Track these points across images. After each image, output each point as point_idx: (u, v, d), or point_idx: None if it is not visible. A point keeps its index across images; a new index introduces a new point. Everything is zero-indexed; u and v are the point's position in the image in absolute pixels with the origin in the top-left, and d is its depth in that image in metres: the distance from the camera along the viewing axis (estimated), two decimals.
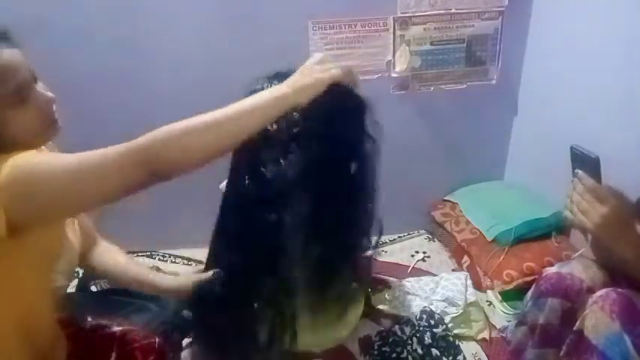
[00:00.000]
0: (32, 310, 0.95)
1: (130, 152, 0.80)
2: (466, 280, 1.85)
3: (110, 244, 1.24)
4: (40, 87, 0.89)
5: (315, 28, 1.92)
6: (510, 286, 1.75)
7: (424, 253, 2.19)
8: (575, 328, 1.07)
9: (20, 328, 0.92)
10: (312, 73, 0.94)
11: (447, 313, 1.72)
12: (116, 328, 1.13)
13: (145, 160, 0.80)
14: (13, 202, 0.75)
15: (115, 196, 0.82)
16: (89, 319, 1.14)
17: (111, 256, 1.22)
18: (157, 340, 1.13)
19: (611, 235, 1.02)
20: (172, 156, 0.82)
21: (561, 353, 1.11)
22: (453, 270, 2.02)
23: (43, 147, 0.98)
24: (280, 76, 1.10)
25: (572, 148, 1.05)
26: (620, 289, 1.04)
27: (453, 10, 1.97)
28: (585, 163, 1.03)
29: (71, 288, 1.77)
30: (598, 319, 1.01)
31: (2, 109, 0.82)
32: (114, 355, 1.07)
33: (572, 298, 1.11)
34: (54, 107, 0.91)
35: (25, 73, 0.85)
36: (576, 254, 1.69)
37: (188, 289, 1.15)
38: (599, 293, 1.05)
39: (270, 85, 1.05)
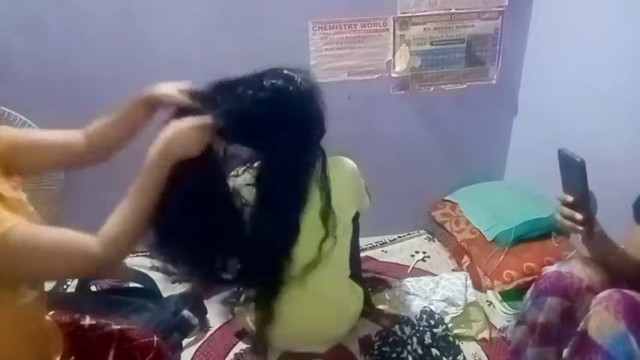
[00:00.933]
0: (27, 311, 0.96)
1: (90, 263, 0.93)
2: (466, 280, 1.85)
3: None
4: None
5: (315, 28, 1.92)
6: (510, 286, 1.75)
7: (424, 253, 2.19)
8: (579, 329, 1.06)
9: (17, 329, 0.93)
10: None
11: (447, 313, 1.71)
12: (115, 327, 1.13)
13: (103, 267, 0.97)
14: None
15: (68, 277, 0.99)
16: (88, 318, 1.14)
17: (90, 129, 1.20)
18: (155, 338, 1.13)
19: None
20: (117, 260, 1.00)
21: (566, 354, 1.11)
22: (453, 270, 2.02)
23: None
24: (271, 72, 1.21)
25: (559, 151, 1.07)
26: (624, 290, 1.04)
27: (453, 10, 1.97)
28: (571, 166, 1.04)
29: (71, 288, 1.78)
30: (603, 320, 1.01)
31: None
32: (112, 353, 1.07)
33: (572, 297, 1.10)
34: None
35: None
36: (571, 253, 1.69)
37: (174, 99, 1.22)
38: (603, 294, 1.05)
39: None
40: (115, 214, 0.98)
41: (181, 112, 1.17)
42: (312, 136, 1.28)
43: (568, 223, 1.09)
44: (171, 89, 1.25)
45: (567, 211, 1.08)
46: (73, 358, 1.05)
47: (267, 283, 1.34)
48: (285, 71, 1.23)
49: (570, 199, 1.08)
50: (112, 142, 1.22)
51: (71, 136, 1.16)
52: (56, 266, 0.91)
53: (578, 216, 1.06)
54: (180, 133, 1.05)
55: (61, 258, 0.91)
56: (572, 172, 1.05)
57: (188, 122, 1.08)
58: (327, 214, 1.29)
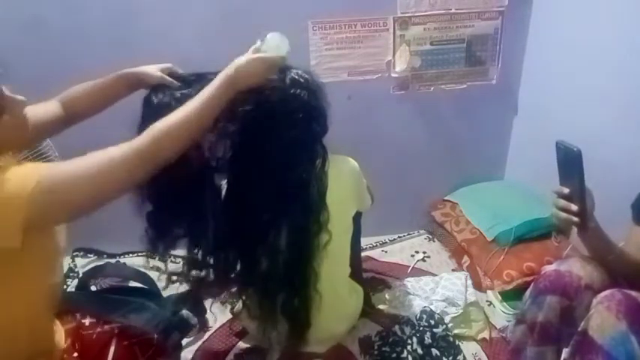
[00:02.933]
0: (36, 308, 0.97)
1: (134, 155, 0.93)
2: (466, 280, 1.84)
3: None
4: (6, 91, 0.89)
5: (315, 28, 1.93)
6: (510, 286, 1.75)
7: (424, 253, 2.19)
8: (579, 329, 1.06)
9: (23, 326, 0.93)
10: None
11: (447, 313, 1.71)
12: (115, 324, 1.13)
13: (146, 159, 0.95)
14: (40, 211, 0.81)
15: (125, 190, 0.97)
16: (88, 317, 1.14)
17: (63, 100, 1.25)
18: (155, 335, 1.13)
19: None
20: (165, 153, 0.98)
21: (566, 354, 1.11)
22: (453, 270, 2.02)
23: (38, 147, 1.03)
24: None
25: (557, 143, 1.07)
26: (625, 290, 1.04)
27: (453, 10, 1.97)
28: (568, 156, 1.05)
29: (71, 288, 1.78)
30: (604, 319, 1.01)
31: None
32: (112, 349, 1.07)
33: (571, 296, 1.10)
34: (25, 110, 0.93)
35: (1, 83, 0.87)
36: (567, 250, 1.69)
37: (154, 76, 1.29)
38: (604, 293, 1.05)
39: None
40: (165, 120, 1.00)
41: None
42: (316, 132, 1.31)
43: (563, 215, 1.08)
44: (153, 69, 1.30)
45: (563, 202, 1.08)
46: (75, 354, 1.06)
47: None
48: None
49: (566, 191, 1.08)
50: (82, 110, 1.28)
51: (53, 108, 1.21)
52: (105, 177, 0.90)
53: (574, 207, 1.06)
54: (250, 62, 1.15)
55: (105, 166, 0.90)
56: (570, 162, 1.05)
57: (259, 55, 1.17)
58: (320, 207, 1.29)
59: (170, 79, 1.29)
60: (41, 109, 1.16)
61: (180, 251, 2.17)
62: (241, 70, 1.13)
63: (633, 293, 1.03)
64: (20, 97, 0.91)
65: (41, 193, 0.81)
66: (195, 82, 1.28)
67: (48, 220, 0.87)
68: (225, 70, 1.13)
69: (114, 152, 0.92)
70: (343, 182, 1.39)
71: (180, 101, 1.14)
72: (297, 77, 1.28)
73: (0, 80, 0.87)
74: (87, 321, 1.13)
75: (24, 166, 0.85)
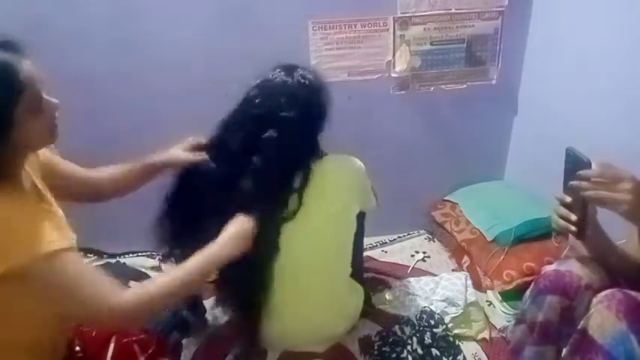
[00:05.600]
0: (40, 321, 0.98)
1: (123, 315, 0.95)
2: (466, 280, 1.84)
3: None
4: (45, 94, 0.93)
5: (315, 28, 1.92)
6: (510, 286, 1.75)
7: (424, 253, 2.19)
8: (579, 328, 1.06)
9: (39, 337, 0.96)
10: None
11: (447, 313, 1.71)
12: None
13: (122, 320, 0.99)
14: (29, 275, 0.83)
15: (92, 322, 1.06)
16: None
17: (99, 174, 1.32)
18: (154, 335, 1.14)
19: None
20: (144, 318, 1.08)
21: (565, 353, 1.11)
22: (453, 270, 2.02)
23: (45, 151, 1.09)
24: (284, 68, 1.32)
25: (567, 149, 1.07)
26: (626, 290, 1.04)
27: (453, 10, 1.97)
28: (577, 165, 1.04)
29: None
30: (604, 319, 1.01)
31: (24, 119, 0.87)
32: (112, 347, 1.08)
33: (571, 296, 1.10)
34: (56, 113, 0.96)
35: (39, 83, 0.90)
36: (565, 251, 1.69)
37: (180, 159, 1.35)
38: (604, 293, 1.04)
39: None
40: (158, 281, 1.04)
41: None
42: (313, 130, 1.35)
43: (562, 223, 1.09)
44: (179, 152, 1.37)
45: (563, 211, 1.08)
46: (77, 348, 1.06)
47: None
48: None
49: (569, 199, 1.08)
50: (117, 190, 1.34)
51: (90, 175, 1.27)
52: (84, 303, 0.92)
53: (573, 217, 1.07)
54: (243, 240, 1.19)
55: (93, 297, 0.92)
56: (577, 171, 1.04)
57: (248, 227, 1.22)
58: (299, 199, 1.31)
59: (198, 157, 1.35)
60: (74, 167, 1.23)
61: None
62: (232, 244, 1.18)
63: (633, 293, 1.03)
64: (54, 100, 0.94)
65: (46, 263, 0.84)
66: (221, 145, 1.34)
67: (26, 285, 0.85)
68: (219, 243, 1.17)
69: (116, 300, 0.93)
70: (346, 181, 1.39)
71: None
72: (302, 78, 1.31)
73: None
74: None
75: (65, 230, 0.90)
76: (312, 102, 1.31)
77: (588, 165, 1.02)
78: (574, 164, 1.05)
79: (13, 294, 0.85)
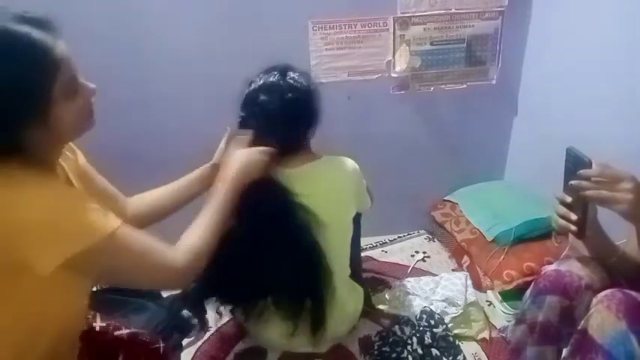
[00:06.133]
0: (70, 323, 0.98)
1: (185, 267, 0.99)
2: (466, 280, 1.85)
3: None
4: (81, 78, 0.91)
5: (315, 28, 1.92)
6: (510, 286, 1.75)
7: (424, 253, 2.19)
8: (579, 328, 1.06)
9: (55, 340, 0.94)
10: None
11: (447, 313, 1.71)
12: (124, 331, 1.13)
13: (185, 278, 1.04)
14: (89, 258, 0.82)
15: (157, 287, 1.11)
16: (98, 319, 1.14)
17: (149, 197, 1.33)
18: (161, 345, 1.13)
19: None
20: (205, 260, 1.06)
21: (566, 353, 1.11)
22: (453, 270, 2.02)
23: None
24: (276, 70, 1.31)
25: (567, 149, 1.07)
26: (625, 289, 1.04)
27: (453, 10, 1.97)
28: (578, 165, 1.04)
29: None
30: (604, 319, 1.01)
31: (60, 102, 0.84)
32: (121, 357, 1.08)
33: (571, 296, 1.10)
34: (93, 99, 0.94)
35: (74, 65, 0.87)
36: (565, 251, 1.69)
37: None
38: (604, 293, 1.04)
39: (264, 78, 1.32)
40: (194, 229, 1.07)
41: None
42: (303, 134, 1.36)
43: (562, 222, 1.09)
44: (222, 147, 1.38)
45: (563, 210, 1.09)
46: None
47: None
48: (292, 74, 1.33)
49: (569, 199, 1.08)
50: (156, 214, 1.34)
51: (122, 199, 1.27)
52: (142, 272, 0.95)
53: (573, 216, 1.07)
54: (251, 159, 1.22)
55: (148, 265, 0.94)
56: (578, 171, 1.04)
57: (255, 150, 1.24)
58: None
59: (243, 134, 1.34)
60: (108, 185, 1.23)
61: None
62: (242, 171, 1.20)
63: (633, 293, 1.03)
64: (92, 85, 0.92)
65: (108, 244, 0.84)
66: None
67: (87, 269, 0.86)
68: (228, 174, 1.19)
69: (174, 260, 0.97)
70: (343, 183, 1.39)
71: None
72: (293, 82, 1.30)
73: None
74: (97, 325, 1.13)
75: (110, 213, 0.88)
76: (301, 105, 1.31)
77: (589, 165, 1.02)
78: (574, 164, 1.05)
79: (62, 285, 0.84)
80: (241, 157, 1.22)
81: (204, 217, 1.10)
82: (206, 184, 1.33)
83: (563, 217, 1.09)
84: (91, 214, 0.84)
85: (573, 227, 1.08)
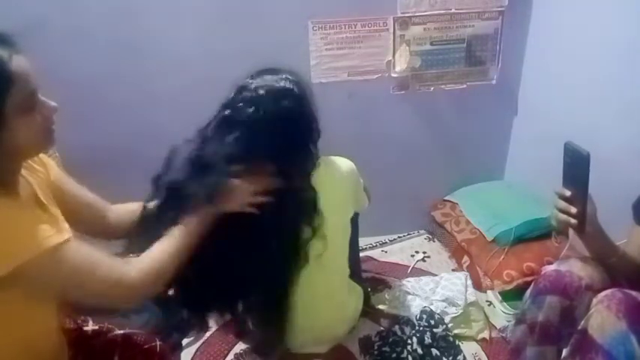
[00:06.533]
0: (41, 327, 0.97)
1: (130, 287, 0.96)
2: (466, 280, 1.85)
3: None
4: (41, 95, 0.89)
5: (315, 28, 1.92)
6: (510, 286, 1.75)
7: (424, 253, 2.19)
8: (579, 328, 1.06)
9: (28, 344, 0.93)
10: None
11: (447, 313, 1.71)
12: (118, 332, 1.12)
13: (135, 294, 1.00)
14: (38, 273, 0.82)
15: (98, 301, 0.99)
16: (91, 322, 1.14)
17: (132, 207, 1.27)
18: (158, 343, 1.13)
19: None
20: (159, 284, 1.05)
21: (566, 353, 1.11)
22: (453, 270, 2.02)
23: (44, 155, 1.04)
24: (268, 72, 1.24)
25: (566, 144, 1.07)
26: (625, 289, 1.04)
27: (453, 10, 1.97)
28: (576, 159, 1.05)
29: None
30: (604, 319, 1.01)
31: (14, 117, 0.82)
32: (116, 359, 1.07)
33: (571, 296, 1.10)
34: (54, 117, 0.91)
35: (33, 81, 0.85)
36: (564, 250, 1.69)
37: None
38: (604, 293, 1.05)
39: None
40: (156, 249, 1.06)
41: None
42: (305, 138, 1.29)
43: (562, 216, 1.09)
44: None
45: (563, 204, 1.09)
46: None
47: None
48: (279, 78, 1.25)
49: (568, 193, 1.08)
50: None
51: (102, 207, 1.21)
52: (92, 288, 0.92)
53: (573, 209, 1.07)
54: (232, 193, 1.17)
55: (98, 280, 0.91)
56: (576, 165, 1.05)
57: (239, 183, 1.19)
58: (313, 209, 1.28)
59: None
60: (86, 193, 1.17)
61: None
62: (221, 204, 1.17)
63: (633, 293, 1.03)
64: (52, 103, 0.90)
65: (47, 260, 0.82)
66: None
67: (31, 285, 0.84)
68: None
69: (126, 275, 0.95)
70: (340, 184, 1.38)
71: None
72: (284, 85, 1.23)
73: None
74: (89, 329, 1.12)
75: (61, 224, 0.87)
76: (295, 109, 1.24)
77: (587, 157, 1.02)
78: (573, 157, 1.06)
79: (14, 297, 0.83)
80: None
81: (168, 241, 1.08)
82: None
83: (562, 211, 1.09)
84: (32, 227, 0.82)
85: (573, 220, 1.08)
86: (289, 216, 1.26)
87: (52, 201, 1.00)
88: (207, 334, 1.70)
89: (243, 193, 1.18)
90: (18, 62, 0.82)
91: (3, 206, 0.82)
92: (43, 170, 1.03)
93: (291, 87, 1.23)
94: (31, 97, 0.84)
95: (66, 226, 0.91)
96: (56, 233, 0.85)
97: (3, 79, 0.79)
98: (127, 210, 1.25)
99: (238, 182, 1.18)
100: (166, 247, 1.06)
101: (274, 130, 1.19)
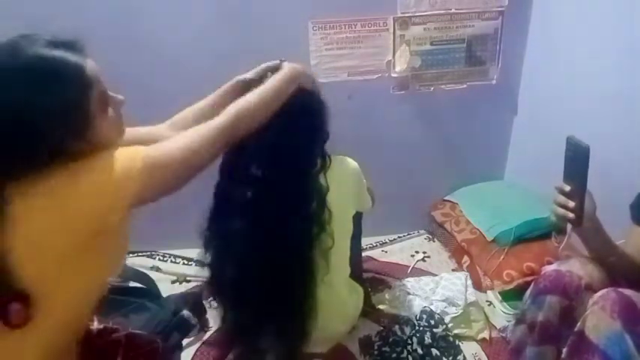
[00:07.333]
0: (80, 312, 0.99)
1: (220, 133, 1.04)
2: (466, 280, 1.85)
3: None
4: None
5: (315, 28, 1.93)
6: (510, 286, 1.75)
7: (424, 253, 2.19)
8: (575, 329, 1.07)
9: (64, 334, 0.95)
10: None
11: (447, 313, 1.71)
12: (122, 333, 1.13)
13: (229, 137, 1.07)
14: (144, 188, 0.89)
15: (206, 165, 1.05)
16: (95, 321, 1.14)
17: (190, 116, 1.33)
18: (160, 345, 1.13)
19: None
20: (242, 131, 1.10)
21: (563, 355, 1.11)
22: (453, 270, 2.02)
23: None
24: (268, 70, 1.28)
25: (568, 138, 1.08)
26: (620, 289, 1.04)
27: (453, 10, 1.97)
28: (577, 152, 1.05)
29: None
30: (599, 319, 1.01)
31: (96, 116, 0.89)
32: None
33: (571, 296, 1.11)
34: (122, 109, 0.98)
35: (103, 79, 0.93)
36: (561, 245, 1.68)
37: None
38: (599, 293, 1.05)
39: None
40: (249, 98, 1.12)
41: None
42: (317, 140, 1.31)
43: (561, 210, 1.09)
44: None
45: (562, 198, 1.09)
46: None
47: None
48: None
49: (568, 188, 1.08)
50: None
51: (160, 131, 1.26)
52: (196, 155, 0.98)
53: (571, 203, 1.07)
54: (304, 70, 1.27)
55: (196, 145, 0.98)
56: (577, 158, 1.05)
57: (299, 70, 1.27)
58: (321, 210, 1.28)
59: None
60: (143, 130, 1.22)
61: (180, 251, 2.19)
62: (302, 71, 1.26)
63: (627, 292, 1.03)
64: (120, 96, 0.97)
65: (146, 172, 0.88)
66: None
67: (148, 197, 0.92)
68: (291, 65, 1.25)
69: (202, 131, 1.01)
70: (343, 183, 1.39)
71: None
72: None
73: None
74: (94, 328, 1.13)
75: (127, 149, 0.91)
76: (311, 119, 1.28)
77: (586, 150, 1.03)
78: (574, 151, 1.06)
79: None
80: (295, 66, 1.25)
81: (256, 96, 1.13)
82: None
83: (561, 205, 1.09)
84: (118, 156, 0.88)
85: (571, 214, 1.08)
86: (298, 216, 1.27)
87: None
88: (207, 334, 1.70)
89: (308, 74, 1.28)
90: (91, 65, 0.90)
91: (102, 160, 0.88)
92: None
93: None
94: (105, 95, 0.92)
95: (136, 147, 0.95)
96: (134, 150, 0.91)
97: (85, 83, 0.87)
98: (186, 124, 1.27)
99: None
100: (254, 97, 1.12)
101: (284, 132, 1.22)
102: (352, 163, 1.43)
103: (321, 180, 1.29)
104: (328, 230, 1.29)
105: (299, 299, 1.31)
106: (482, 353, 1.63)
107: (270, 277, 1.27)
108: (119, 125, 0.97)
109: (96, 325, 1.14)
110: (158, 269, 2.02)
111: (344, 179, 1.40)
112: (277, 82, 1.18)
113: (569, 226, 1.15)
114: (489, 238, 1.93)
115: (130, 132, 1.14)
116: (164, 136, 1.20)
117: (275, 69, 1.27)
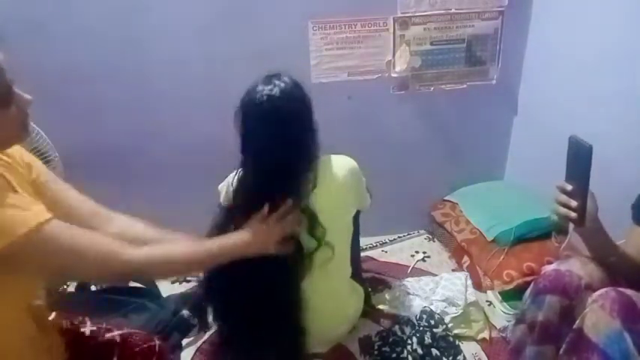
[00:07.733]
0: (34, 313, 0.96)
1: (127, 268, 0.96)
2: (466, 280, 1.85)
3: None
4: (16, 89, 0.90)
5: (315, 28, 1.92)
6: (510, 286, 1.75)
7: (424, 253, 2.19)
8: (575, 327, 1.07)
9: (22, 332, 0.93)
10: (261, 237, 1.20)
11: (447, 313, 1.71)
12: (116, 333, 1.12)
13: (131, 275, 1.05)
14: (20, 255, 0.81)
15: (95, 280, 1.02)
16: (88, 323, 1.14)
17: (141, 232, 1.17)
18: (157, 343, 1.13)
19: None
20: (147, 278, 1.09)
21: (561, 351, 1.11)
22: (453, 270, 2.02)
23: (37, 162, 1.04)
24: (271, 78, 1.27)
25: (570, 137, 1.07)
26: (620, 288, 1.04)
27: (453, 10, 1.97)
28: (579, 151, 1.05)
29: (71, 288, 1.78)
30: (598, 318, 1.01)
31: None
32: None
33: (571, 295, 1.10)
34: (28, 110, 0.92)
35: (8, 75, 0.86)
36: (562, 245, 1.69)
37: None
38: (599, 292, 1.05)
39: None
40: (169, 250, 1.05)
41: None
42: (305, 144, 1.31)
43: (562, 210, 1.08)
44: None
45: (564, 197, 1.08)
46: None
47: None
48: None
49: (569, 187, 1.07)
50: None
51: (101, 218, 1.12)
52: (86, 264, 0.91)
53: (573, 203, 1.06)
54: (265, 238, 1.19)
55: (93, 256, 0.91)
56: (579, 158, 1.05)
57: (275, 227, 1.21)
58: (314, 222, 1.30)
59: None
60: (82, 202, 1.10)
61: None
62: (256, 243, 1.19)
63: (627, 291, 1.03)
64: (27, 96, 0.91)
65: (33, 240, 0.81)
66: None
67: (19, 267, 0.84)
68: (244, 240, 1.18)
69: (114, 255, 0.93)
70: (343, 182, 1.39)
71: None
72: (283, 90, 1.26)
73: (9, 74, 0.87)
74: (87, 330, 1.12)
75: (38, 206, 0.86)
76: (293, 113, 1.27)
77: (589, 150, 1.02)
78: (576, 151, 1.06)
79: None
80: (257, 237, 1.19)
81: (183, 254, 1.07)
82: None
83: (563, 204, 1.09)
84: (9, 210, 0.81)
85: (573, 214, 1.07)
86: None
87: (31, 194, 0.98)
88: (207, 334, 1.70)
89: (273, 235, 1.21)
90: None
91: None
92: (25, 171, 1.01)
93: (290, 92, 1.26)
94: (7, 92, 0.86)
95: (44, 207, 0.89)
96: (40, 212, 0.85)
97: None
98: (132, 231, 1.14)
99: (266, 225, 1.21)
100: (180, 253, 1.07)
101: (272, 136, 1.24)
102: (351, 161, 1.43)
103: (310, 201, 1.30)
104: (326, 243, 1.31)
105: (290, 316, 1.34)
106: (482, 353, 1.63)
107: (260, 297, 1.29)
108: (21, 125, 0.91)
109: (89, 326, 1.13)
110: None
111: (344, 178, 1.40)
112: (216, 249, 1.13)
113: (570, 226, 1.15)
114: (489, 238, 1.93)
115: (80, 202, 1.09)
116: (103, 229, 1.09)
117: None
